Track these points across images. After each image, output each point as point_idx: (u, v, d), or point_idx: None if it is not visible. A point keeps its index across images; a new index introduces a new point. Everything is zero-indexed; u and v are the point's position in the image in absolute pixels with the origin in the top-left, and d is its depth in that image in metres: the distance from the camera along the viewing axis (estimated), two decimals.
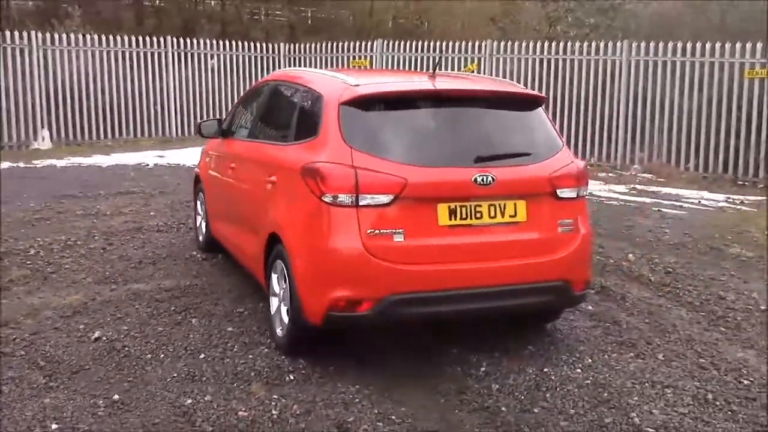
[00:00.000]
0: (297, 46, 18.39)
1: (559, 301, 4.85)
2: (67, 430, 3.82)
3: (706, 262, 7.39)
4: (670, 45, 13.33)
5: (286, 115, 5.38)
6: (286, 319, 4.74)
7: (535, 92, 5.39)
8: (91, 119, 15.76)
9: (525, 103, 5.00)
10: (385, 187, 4.27)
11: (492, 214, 4.48)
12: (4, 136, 14.72)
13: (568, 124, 14.51)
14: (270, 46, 18.35)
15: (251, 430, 3.88)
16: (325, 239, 4.32)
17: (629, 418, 4.10)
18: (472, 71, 15.11)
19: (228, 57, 17.62)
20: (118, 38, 16.11)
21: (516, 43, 15.09)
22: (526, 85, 14.78)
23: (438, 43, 15.88)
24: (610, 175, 13.39)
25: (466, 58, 15.46)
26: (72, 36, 15.68)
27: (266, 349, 4.90)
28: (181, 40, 16.96)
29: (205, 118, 15.83)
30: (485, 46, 15.27)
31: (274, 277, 4.95)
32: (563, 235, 4.70)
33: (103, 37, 15.94)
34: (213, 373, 4.54)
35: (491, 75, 15.11)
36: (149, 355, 4.78)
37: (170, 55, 16.78)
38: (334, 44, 17.45)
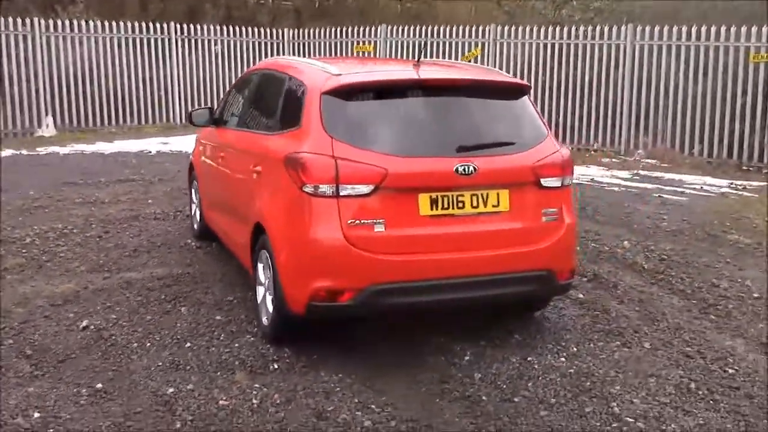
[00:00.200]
0: (300, 31, 18.32)
1: (544, 290, 4.85)
2: (49, 419, 3.86)
3: (703, 249, 7.35)
4: (675, 29, 13.20)
5: (272, 105, 5.38)
6: (271, 308, 4.77)
7: (520, 81, 5.36)
8: (95, 106, 15.80)
9: (510, 91, 4.97)
10: (366, 177, 4.27)
11: (474, 203, 4.47)
12: (9, 123, 14.78)
13: (572, 110, 14.42)
14: (275, 31, 18.29)
15: (231, 419, 3.90)
16: (306, 230, 4.33)
17: (609, 407, 4.10)
18: (476, 56, 15.04)
19: (232, 43, 17.58)
20: (122, 24, 16.10)
21: (520, 28, 14.98)
22: (530, 70, 14.72)
23: (442, 28, 15.78)
24: (613, 160, 13.32)
25: (470, 43, 15.37)
26: (75, 22, 15.67)
27: (252, 338, 4.93)
28: (185, 26, 16.94)
29: (200, 105, 15.84)
30: (489, 31, 15.16)
31: (260, 266, 4.97)
32: (547, 225, 4.68)
33: (107, 24, 15.94)
34: (197, 362, 4.57)
35: (495, 60, 15.04)
36: (135, 344, 4.82)
37: (174, 41, 16.77)
38: (338, 29, 17.39)
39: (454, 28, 15.61)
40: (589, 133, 14.31)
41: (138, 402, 4.07)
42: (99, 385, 4.24)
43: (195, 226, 7.34)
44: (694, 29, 12.98)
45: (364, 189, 4.28)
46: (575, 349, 4.87)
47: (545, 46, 14.66)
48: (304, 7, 22.69)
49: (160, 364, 4.53)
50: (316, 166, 4.31)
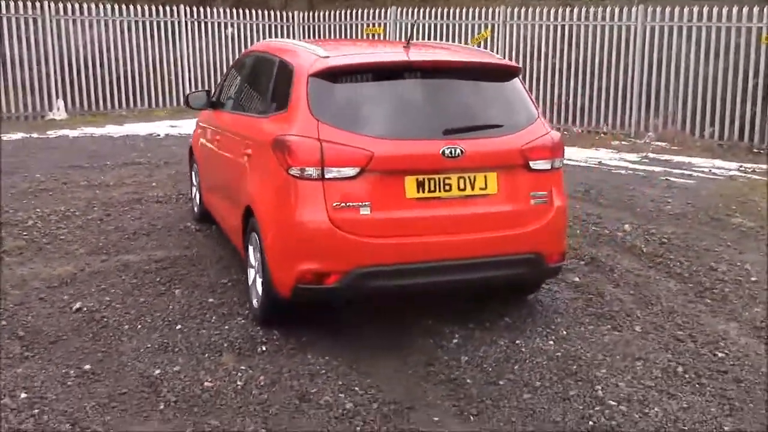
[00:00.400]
0: (309, 14, 18.28)
1: (533, 273, 4.83)
2: (35, 399, 3.90)
3: (705, 233, 7.29)
4: (686, 9, 13.02)
5: (264, 87, 5.38)
6: (260, 290, 4.79)
7: (511, 63, 5.31)
8: (106, 89, 15.88)
9: (500, 74, 4.93)
10: (351, 160, 4.26)
11: (461, 186, 4.45)
12: (20, 106, 14.89)
13: (582, 92, 14.30)
14: (285, 14, 18.26)
15: (214, 401, 3.93)
16: (292, 212, 4.33)
17: (594, 390, 4.09)
18: (485, 38, 14.94)
19: (243, 26, 17.56)
20: (132, 7, 16.13)
21: (530, 9, 14.85)
22: (539, 52, 14.61)
23: (452, 10, 15.67)
24: (623, 143, 13.21)
25: (480, 25, 15.26)
26: (85, 6, 15.73)
27: (243, 321, 4.95)
28: (195, 9, 16.94)
29: (209, 88, 15.86)
30: (499, 12, 15.04)
31: (250, 249, 4.99)
32: (536, 207, 4.66)
33: (117, 7, 15.98)
34: (186, 344, 4.60)
35: (505, 42, 14.93)
36: (126, 326, 4.86)
37: (184, 24, 16.79)
38: (349, 12, 17.32)
39: (464, 10, 15.50)
40: (599, 115, 14.19)
41: (124, 383, 4.11)
42: (87, 367, 4.28)
43: (195, 209, 7.38)
44: (705, 10, 12.80)
45: (350, 172, 4.27)
46: (565, 332, 4.86)
47: (555, 27, 14.52)
48: None
49: (149, 345, 4.57)
50: (301, 148, 4.30)
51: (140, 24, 16.27)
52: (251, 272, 5.01)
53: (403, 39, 15.97)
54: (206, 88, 16.58)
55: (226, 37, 17.24)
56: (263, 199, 4.66)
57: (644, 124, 13.74)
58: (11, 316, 4.99)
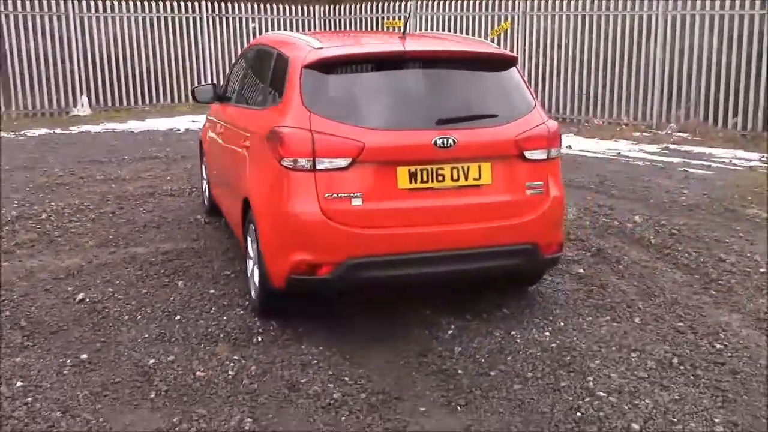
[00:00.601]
0: (330, 8, 18.31)
1: (528, 264, 4.78)
2: (30, 388, 3.97)
3: (717, 224, 7.18)
4: None
5: (262, 80, 5.41)
6: (257, 282, 4.82)
7: (508, 52, 5.27)
8: (129, 85, 16.08)
9: (497, 63, 4.89)
10: (342, 150, 4.27)
11: (455, 177, 4.43)
12: (45, 102, 15.13)
13: (603, 83, 14.15)
14: (307, 8, 18.31)
15: (204, 390, 3.97)
16: (284, 204, 4.35)
17: (585, 381, 4.06)
18: (505, 30, 14.83)
19: (264, 20, 17.65)
20: (154, 4, 16.30)
21: (550, 1, 14.72)
22: (560, 43, 14.48)
23: (471, 2, 15.59)
24: (644, 134, 13.05)
25: (499, 17, 15.17)
26: (108, 3, 15.92)
27: (242, 312, 4.99)
28: (216, 5, 17.06)
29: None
30: (519, 3, 14.94)
31: (249, 240, 5.03)
32: (532, 198, 4.63)
33: (139, 3, 16.15)
34: (183, 334, 4.65)
35: (525, 33, 14.83)
36: (126, 317, 4.92)
37: (206, 20, 16.92)
38: (370, 5, 17.32)
39: (484, 2, 15.42)
40: (620, 107, 14.03)
41: (119, 372, 4.17)
42: (84, 356, 4.34)
43: (205, 202, 7.45)
44: None
45: (341, 162, 4.28)
46: (562, 323, 4.82)
47: (575, 17, 14.39)
48: None
49: (147, 336, 4.63)
50: (293, 140, 4.32)
51: (162, 20, 16.44)
52: (249, 263, 5.05)
53: (424, 32, 15.95)
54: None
55: (248, 32, 17.33)
56: (259, 191, 4.69)
57: (666, 116, 13.56)
58: (15, 307, 5.08)
